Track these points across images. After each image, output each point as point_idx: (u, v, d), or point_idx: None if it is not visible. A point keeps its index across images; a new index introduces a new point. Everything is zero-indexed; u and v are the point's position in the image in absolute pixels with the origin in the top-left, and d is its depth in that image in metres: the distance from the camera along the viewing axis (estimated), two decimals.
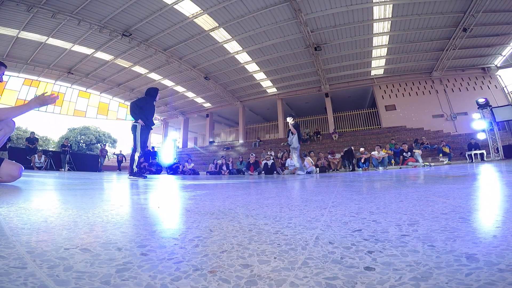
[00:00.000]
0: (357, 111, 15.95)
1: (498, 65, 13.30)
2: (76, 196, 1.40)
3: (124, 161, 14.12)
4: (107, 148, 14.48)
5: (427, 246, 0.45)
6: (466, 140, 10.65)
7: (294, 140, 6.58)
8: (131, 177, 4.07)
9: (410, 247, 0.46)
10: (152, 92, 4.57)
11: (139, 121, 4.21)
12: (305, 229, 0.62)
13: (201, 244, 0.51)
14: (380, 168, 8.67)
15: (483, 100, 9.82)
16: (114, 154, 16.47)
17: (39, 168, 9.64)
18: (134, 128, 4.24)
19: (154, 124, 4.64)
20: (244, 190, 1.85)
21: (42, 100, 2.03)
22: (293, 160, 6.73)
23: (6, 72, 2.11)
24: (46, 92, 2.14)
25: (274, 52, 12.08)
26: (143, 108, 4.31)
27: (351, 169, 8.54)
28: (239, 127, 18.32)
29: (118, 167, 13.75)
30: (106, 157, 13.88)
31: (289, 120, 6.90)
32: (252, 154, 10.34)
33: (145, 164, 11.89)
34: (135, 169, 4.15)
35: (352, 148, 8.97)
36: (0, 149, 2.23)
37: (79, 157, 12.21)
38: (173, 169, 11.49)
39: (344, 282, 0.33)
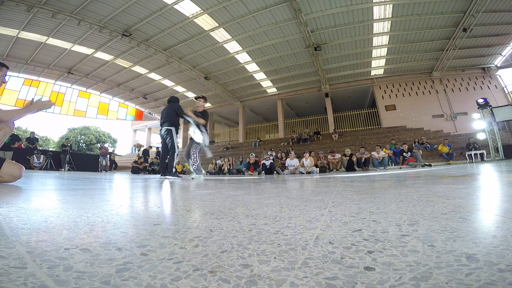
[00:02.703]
0: (357, 111, 15.95)
1: (498, 65, 13.29)
2: (76, 196, 1.40)
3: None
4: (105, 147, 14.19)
5: (427, 246, 0.45)
6: (466, 140, 10.64)
7: (197, 132, 4.53)
8: (169, 177, 4.29)
9: (410, 247, 0.46)
10: (177, 100, 4.92)
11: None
12: (305, 229, 0.62)
13: (201, 244, 0.51)
14: (380, 168, 8.67)
15: (483, 100, 9.81)
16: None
17: (40, 168, 9.65)
18: (170, 132, 4.48)
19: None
20: (244, 190, 1.85)
21: (40, 105, 2.07)
22: (190, 160, 4.61)
23: (6, 72, 2.14)
24: (43, 97, 2.18)
25: (274, 52, 12.08)
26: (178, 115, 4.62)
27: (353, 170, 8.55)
28: (239, 127, 18.32)
29: (113, 167, 13.68)
30: (108, 156, 13.67)
31: (202, 102, 4.86)
32: (252, 154, 10.35)
33: (145, 165, 11.90)
34: (173, 170, 4.42)
35: (352, 160, 8.86)
36: (0, 149, 2.24)
37: (79, 157, 12.21)
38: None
39: (344, 282, 0.33)
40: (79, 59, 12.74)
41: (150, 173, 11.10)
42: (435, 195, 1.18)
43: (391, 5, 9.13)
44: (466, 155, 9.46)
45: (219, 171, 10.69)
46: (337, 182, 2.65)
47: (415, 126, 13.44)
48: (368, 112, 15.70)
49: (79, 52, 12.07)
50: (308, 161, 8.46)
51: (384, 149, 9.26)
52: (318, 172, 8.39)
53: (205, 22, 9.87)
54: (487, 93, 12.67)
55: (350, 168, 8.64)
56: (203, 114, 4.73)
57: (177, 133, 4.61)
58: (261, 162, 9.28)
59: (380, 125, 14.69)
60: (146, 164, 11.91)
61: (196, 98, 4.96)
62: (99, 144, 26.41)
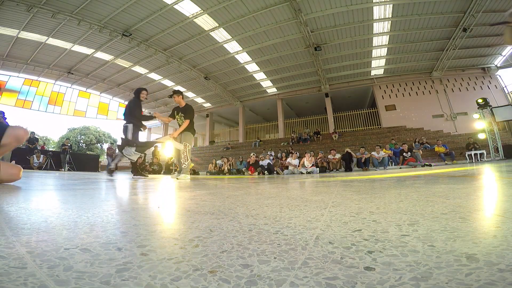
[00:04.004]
0: (357, 111, 15.94)
1: (498, 65, 13.29)
2: (76, 196, 1.40)
3: None
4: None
5: (427, 246, 0.45)
6: (466, 140, 10.64)
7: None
8: (135, 177, 4.33)
9: (410, 247, 0.45)
10: (136, 93, 4.61)
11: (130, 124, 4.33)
12: (305, 229, 0.62)
13: (201, 244, 0.51)
14: (380, 168, 8.66)
15: (483, 100, 9.82)
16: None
17: (39, 168, 9.65)
18: (125, 129, 4.33)
19: (143, 125, 4.66)
20: (244, 190, 1.85)
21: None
22: (181, 159, 4.39)
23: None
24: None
25: (274, 52, 12.08)
26: (131, 109, 4.41)
27: (350, 170, 8.55)
28: (239, 127, 18.32)
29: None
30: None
31: (177, 98, 4.53)
32: (252, 154, 10.35)
33: (145, 165, 11.89)
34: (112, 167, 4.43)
35: (350, 152, 8.89)
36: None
37: (79, 157, 12.20)
38: None
39: (344, 282, 0.33)
40: (79, 59, 12.74)
41: (150, 173, 11.09)
42: (435, 195, 1.18)
43: (391, 5, 9.13)
44: (466, 155, 9.47)
45: (219, 171, 10.69)
46: (337, 182, 2.65)
47: (415, 126, 13.44)
48: (368, 112, 15.69)
49: (79, 52, 12.08)
50: (309, 160, 8.46)
51: (384, 149, 9.26)
52: (318, 172, 8.39)
53: (205, 22, 9.87)
54: (487, 93, 12.67)
55: (347, 165, 8.63)
56: (186, 109, 4.49)
57: (138, 130, 4.42)
58: (259, 163, 9.30)
59: (380, 125, 14.69)
60: (146, 164, 11.90)
61: (170, 96, 4.67)
62: (103, 145, 26.29)
